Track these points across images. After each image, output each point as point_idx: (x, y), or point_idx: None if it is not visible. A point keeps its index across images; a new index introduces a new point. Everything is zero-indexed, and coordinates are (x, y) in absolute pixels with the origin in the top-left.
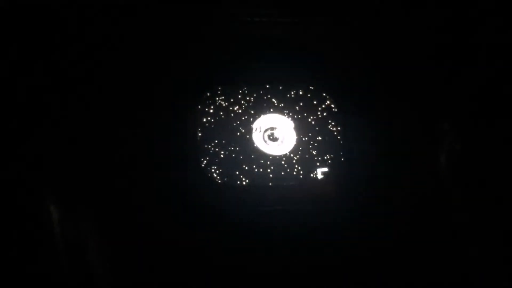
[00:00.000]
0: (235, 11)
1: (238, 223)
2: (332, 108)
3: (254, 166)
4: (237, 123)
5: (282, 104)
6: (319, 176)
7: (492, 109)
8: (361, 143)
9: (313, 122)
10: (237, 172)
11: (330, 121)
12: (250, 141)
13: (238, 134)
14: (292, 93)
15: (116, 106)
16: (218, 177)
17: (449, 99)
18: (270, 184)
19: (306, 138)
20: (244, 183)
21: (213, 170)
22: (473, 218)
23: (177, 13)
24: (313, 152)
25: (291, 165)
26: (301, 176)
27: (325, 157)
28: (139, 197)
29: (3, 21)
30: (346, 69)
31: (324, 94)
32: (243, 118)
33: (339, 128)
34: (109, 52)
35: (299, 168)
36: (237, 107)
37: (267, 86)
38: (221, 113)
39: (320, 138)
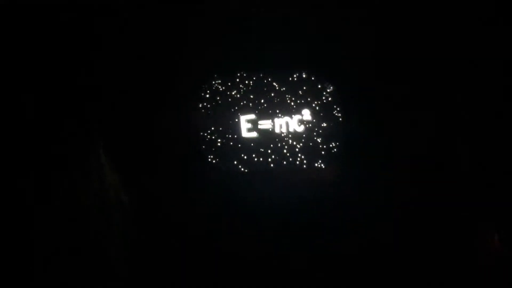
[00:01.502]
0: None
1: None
2: (334, 93)
3: (254, 154)
4: (235, 110)
5: (284, 88)
6: (321, 163)
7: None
8: (362, 131)
9: (316, 108)
10: (238, 160)
11: (332, 107)
12: (247, 128)
13: (237, 121)
14: (294, 77)
15: (116, 102)
16: (218, 164)
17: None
18: (271, 170)
19: (309, 125)
20: (245, 170)
21: (212, 157)
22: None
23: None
24: (316, 138)
25: (292, 152)
26: (304, 163)
27: (327, 144)
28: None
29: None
30: (349, 56)
31: (325, 80)
32: (242, 104)
33: (340, 115)
34: (111, 46)
35: (301, 155)
36: (235, 91)
37: (267, 71)
38: (220, 99)
39: (322, 124)
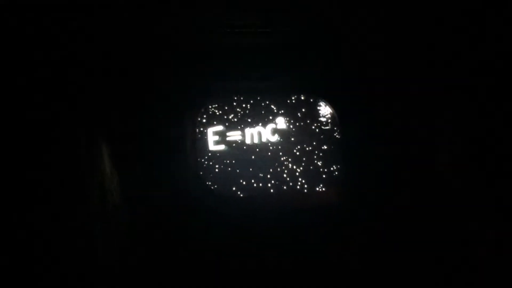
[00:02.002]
0: (231, 22)
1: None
2: (332, 115)
3: (252, 179)
4: (236, 132)
5: (282, 111)
6: (321, 187)
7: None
8: (363, 150)
9: (314, 130)
10: (239, 183)
11: (330, 128)
12: (249, 151)
13: (239, 142)
14: (293, 99)
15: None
16: (217, 189)
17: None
18: (271, 194)
19: (309, 147)
20: (244, 194)
21: (211, 182)
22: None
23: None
24: (316, 161)
25: (292, 175)
26: (304, 187)
27: (328, 167)
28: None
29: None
30: (345, 76)
31: (323, 101)
32: (239, 128)
33: (338, 136)
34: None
35: (302, 180)
36: (232, 115)
37: (264, 94)
38: (219, 122)
39: (321, 145)
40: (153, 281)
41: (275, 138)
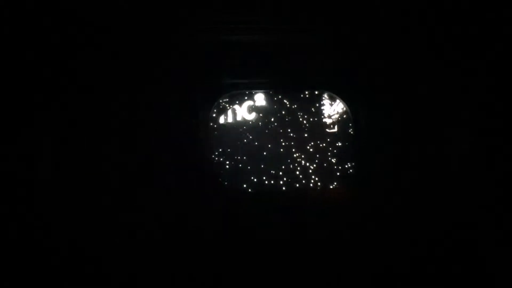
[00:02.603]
0: (246, 18)
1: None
2: (344, 110)
3: (264, 176)
4: (247, 128)
5: (295, 106)
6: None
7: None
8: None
9: (326, 124)
10: (250, 179)
11: (343, 124)
12: (261, 148)
13: (250, 138)
14: (306, 94)
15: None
16: (228, 185)
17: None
18: (283, 190)
19: (322, 144)
20: (255, 191)
21: (223, 178)
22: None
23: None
24: (330, 158)
25: (305, 172)
26: (317, 184)
27: (341, 164)
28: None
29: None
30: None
31: (336, 97)
32: (251, 123)
33: (351, 131)
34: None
35: (315, 177)
36: (244, 111)
37: (278, 89)
38: (230, 118)
39: (334, 142)
40: (164, 279)
41: (286, 134)
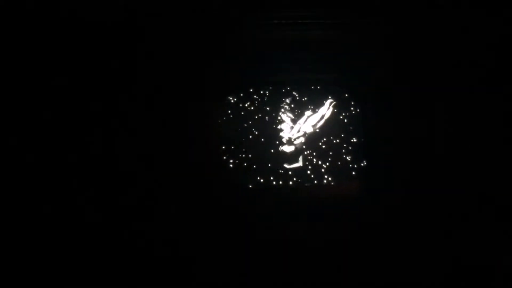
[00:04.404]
0: (266, 14)
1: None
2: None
3: (277, 172)
4: (263, 124)
5: (310, 106)
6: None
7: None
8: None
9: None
10: (265, 176)
11: (356, 123)
12: (274, 145)
13: (266, 134)
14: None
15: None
16: (241, 182)
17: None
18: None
19: (337, 140)
20: (267, 187)
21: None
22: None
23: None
24: (344, 156)
25: (317, 169)
26: (330, 180)
27: (353, 162)
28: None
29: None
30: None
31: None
32: (266, 119)
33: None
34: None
35: (327, 174)
36: (257, 108)
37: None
38: (244, 114)
39: (346, 140)
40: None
41: (300, 131)
